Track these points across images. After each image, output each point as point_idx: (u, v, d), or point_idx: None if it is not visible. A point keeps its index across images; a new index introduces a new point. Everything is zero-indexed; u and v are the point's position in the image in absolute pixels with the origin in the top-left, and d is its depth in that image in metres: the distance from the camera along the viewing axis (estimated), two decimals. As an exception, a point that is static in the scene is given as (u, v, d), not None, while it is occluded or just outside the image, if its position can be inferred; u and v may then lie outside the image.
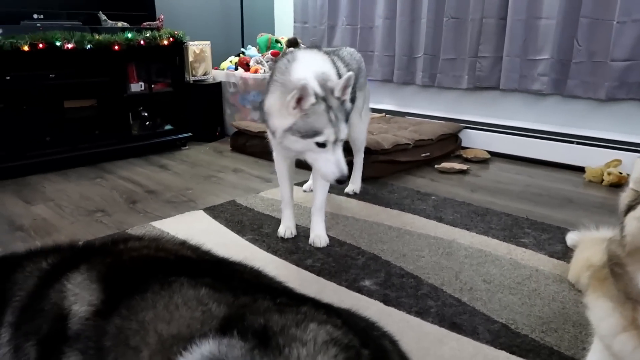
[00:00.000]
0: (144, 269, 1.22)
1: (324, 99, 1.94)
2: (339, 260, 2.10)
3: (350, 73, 2.01)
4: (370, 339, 1.01)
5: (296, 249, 2.22)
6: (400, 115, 4.61)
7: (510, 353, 1.49)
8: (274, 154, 2.45)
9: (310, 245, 2.25)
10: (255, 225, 2.50)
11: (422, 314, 1.69)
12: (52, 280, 1.24)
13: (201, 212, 2.69)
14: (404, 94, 4.71)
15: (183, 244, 1.38)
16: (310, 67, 2.04)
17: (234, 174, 3.54)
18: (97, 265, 1.25)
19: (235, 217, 2.60)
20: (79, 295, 1.20)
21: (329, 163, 1.98)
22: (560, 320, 1.66)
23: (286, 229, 2.37)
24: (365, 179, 3.17)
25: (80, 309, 1.19)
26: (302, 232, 2.39)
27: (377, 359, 0.96)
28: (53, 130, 3.61)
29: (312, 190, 2.58)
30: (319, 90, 1.95)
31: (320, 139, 1.93)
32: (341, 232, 2.40)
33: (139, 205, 2.86)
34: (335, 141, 1.97)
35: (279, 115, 2.00)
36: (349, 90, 2.03)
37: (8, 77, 3.35)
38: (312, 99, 1.91)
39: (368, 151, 3.25)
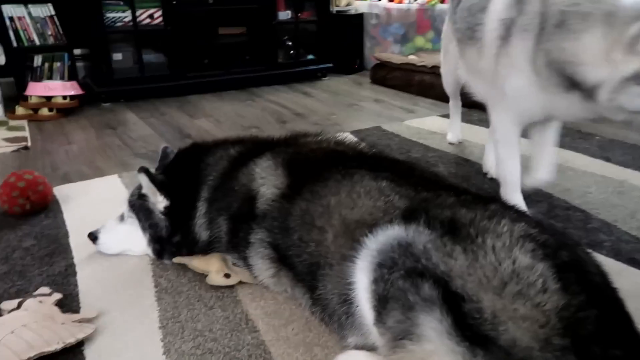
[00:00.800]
0: (325, 160, 1.27)
1: None
2: (496, 189, 2.01)
3: None
4: (566, 243, 0.95)
5: (454, 176, 2.18)
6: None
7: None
8: (499, 118, 1.73)
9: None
10: (404, 149, 2.48)
11: (594, 246, 1.57)
12: (240, 164, 1.35)
13: (348, 134, 2.72)
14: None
15: (361, 141, 1.40)
16: None
17: (375, 103, 3.52)
18: (281, 153, 1.32)
19: (382, 141, 2.60)
20: (266, 179, 1.29)
21: None
22: None
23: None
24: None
25: (268, 191, 1.28)
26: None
27: (575, 262, 0.90)
28: (209, 54, 3.85)
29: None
30: None
31: None
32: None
33: (288, 125, 2.98)
34: None
35: (604, 61, 1.34)
36: None
37: (174, 2, 3.60)
38: None
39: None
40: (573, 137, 2.68)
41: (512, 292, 0.84)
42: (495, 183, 2.05)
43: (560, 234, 1.04)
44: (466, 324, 0.84)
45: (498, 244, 0.90)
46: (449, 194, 1.07)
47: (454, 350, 0.84)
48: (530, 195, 1.95)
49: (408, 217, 1.03)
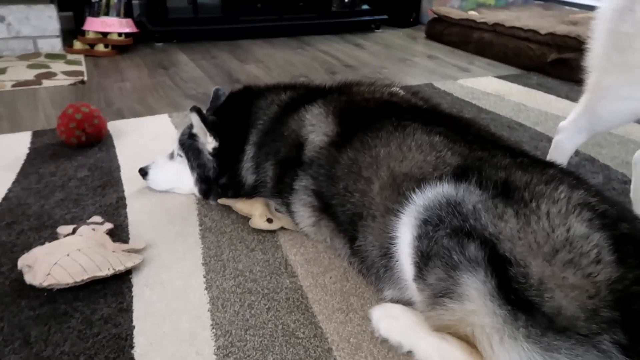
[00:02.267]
0: (377, 110, 1.24)
1: None
2: (546, 155, 1.93)
3: None
4: (626, 216, 0.90)
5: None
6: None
7: None
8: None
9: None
10: (455, 109, 2.40)
11: (650, 222, 1.49)
12: (291, 110, 1.33)
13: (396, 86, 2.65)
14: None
15: (416, 94, 1.36)
16: None
17: (429, 59, 3.40)
18: (333, 101, 1.30)
19: (433, 99, 2.51)
20: (316, 126, 1.28)
21: None
22: None
23: None
24: (581, 82, 2.80)
25: (317, 138, 1.26)
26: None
27: (635, 235, 0.86)
28: (263, -2, 3.79)
29: None
30: None
31: None
32: (551, 130, 2.19)
33: (338, 76, 2.93)
34: None
35: None
36: None
37: (232, -59, 3.52)
38: None
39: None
40: (640, 108, 2.51)
41: (563, 259, 0.81)
42: (549, 151, 1.97)
43: (621, 205, 0.99)
44: (511, 288, 0.83)
45: (553, 210, 0.87)
46: (505, 155, 1.03)
47: (495, 313, 0.83)
48: (586, 166, 1.86)
49: (459, 175, 1.00)
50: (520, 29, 3.24)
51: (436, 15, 3.96)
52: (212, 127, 1.40)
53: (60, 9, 3.43)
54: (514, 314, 0.82)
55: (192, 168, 1.49)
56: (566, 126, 1.51)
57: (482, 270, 0.86)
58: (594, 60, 1.41)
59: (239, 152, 1.43)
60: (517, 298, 0.82)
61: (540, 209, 0.87)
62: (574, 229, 0.84)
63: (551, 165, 1.03)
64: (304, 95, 1.40)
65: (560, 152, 1.54)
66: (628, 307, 0.77)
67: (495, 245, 0.87)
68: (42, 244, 1.26)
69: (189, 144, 1.48)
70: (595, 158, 1.93)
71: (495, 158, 1.03)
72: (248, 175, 1.43)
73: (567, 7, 4.37)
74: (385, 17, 4.27)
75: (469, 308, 0.86)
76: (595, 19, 1.40)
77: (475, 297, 0.86)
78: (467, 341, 0.89)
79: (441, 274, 0.91)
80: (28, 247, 1.27)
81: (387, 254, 1.07)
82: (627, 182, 1.75)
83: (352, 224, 1.17)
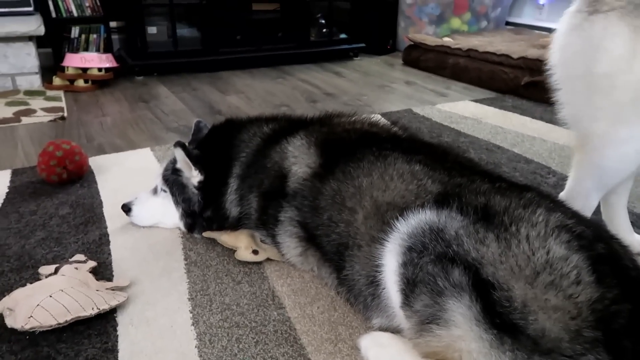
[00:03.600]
0: (358, 141, 1.26)
1: None
2: (528, 177, 1.98)
3: None
4: (602, 236, 0.93)
5: (484, 162, 2.14)
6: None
7: None
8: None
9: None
10: (434, 134, 2.45)
11: (627, 239, 1.53)
12: (273, 142, 1.35)
13: (378, 116, 2.70)
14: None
15: (395, 123, 1.39)
16: None
17: (407, 85, 3.47)
18: (315, 132, 1.32)
19: (412, 124, 2.57)
20: (299, 158, 1.29)
21: None
22: None
23: None
24: (553, 103, 2.90)
25: (299, 170, 1.28)
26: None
27: (611, 255, 0.88)
28: (242, 30, 3.85)
29: None
30: None
31: None
32: (528, 151, 2.25)
33: (319, 104, 2.97)
34: None
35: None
36: None
37: (208, -25, 3.58)
38: None
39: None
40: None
41: (544, 282, 0.83)
42: (526, 172, 2.01)
43: (597, 225, 1.02)
44: (495, 312, 0.84)
45: (532, 233, 0.89)
46: (483, 181, 1.06)
47: (481, 337, 0.84)
48: (563, 186, 1.91)
49: (441, 202, 1.02)
50: (494, 53, 3.34)
51: (412, 42, 4.07)
52: (196, 160, 1.41)
53: (39, 45, 3.44)
54: (499, 338, 0.83)
55: (177, 203, 1.49)
56: (569, 196, 1.30)
57: (467, 295, 0.87)
58: (571, 110, 1.27)
59: (223, 185, 1.43)
60: (502, 322, 0.83)
61: (520, 233, 0.89)
62: (553, 251, 0.86)
63: (528, 188, 1.05)
64: (286, 127, 1.42)
65: None
66: (609, 327, 0.79)
67: (478, 269, 0.88)
68: (24, 285, 1.24)
69: (172, 179, 1.48)
70: (572, 177, 1.97)
71: (474, 184, 1.05)
72: (232, 207, 1.44)
73: (536, 32, 4.52)
74: (363, 45, 4.37)
75: (456, 333, 0.87)
76: (553, 67, 1.28)
77: (462, 323, 0.87)
78: (456, 367, 0.90)
79: (427, 300, 0.92)
80: (9, 289, 1.25)
81: (374, 282, 1.08)
82: (603, 200, 1.80)
83: (338, 254, 1.17)
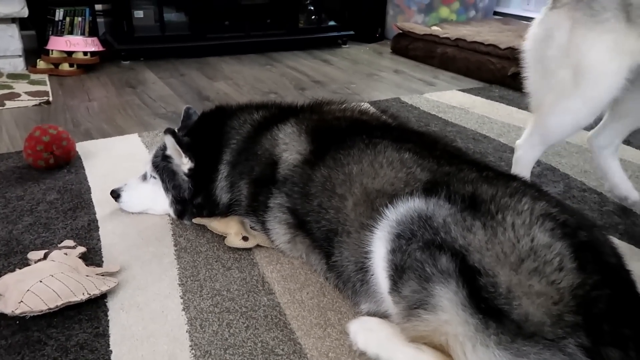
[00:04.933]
0: (349, 128, 1.28)
1: None
2: (510, 166, 2.01)
3: None
4: (584, 224, 0.96)
5: (471, 152, 2.17)
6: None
7: None
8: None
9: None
10: (422, 123, 2.47)
11: (608, 229, 1.57)
12: (264, 129, 1.36)
13: (367, 104, 2.71)
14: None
15: (384, 111, 1.41)
16: None
17: (395, 74, 3.48)
18: (305, 120, 1.33)
19: (401, 114, 2.58)
20: (289, 145, 1.30)
21: None
22: None
23: None
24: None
25: (290, 157, 1.29)
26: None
27: (592, 243, 0.92)
28: (231, 16, 3.81)
29: None
30: None
31: None
32: (513, 141, 2.28)
33: (307, 92, 2.97)
34: None
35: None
36: None
37: (197, -40, 3.54)
38: None
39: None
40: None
41: (528, 268, 0.86)
42: (512, 161, 2.05)
43: (580, 214, 1.05)
44: (481, 297, 0.87)
45: (518, 221, 0.92)
46: (471, 169, 1.08)
47: (467, 322, 0.87)
48: (547, 175, 1.95)
49: (429, 190, 1.04)
50: (482, 43, 3.36)
51: (401, 31, 4.07)
52: (187, 148, 1.41)
53: (22, 28, 3.38)
54: (485, 322, 0.86)
55: (166, 189, 1.49)
56: (522, 144, 1.64)
57: (454, 281, 0.90)
58: (532, 85, 1.59)
59: (213, 172, 1.44)
60: (487, 307, 0.86)
61: (506, 221, 0.92)
62: (538, 238, 0.89)
63: (515, 178, 1.08)
64: (277, 114, 1.43)
65: (521, 167, 1.64)
66: (589, 311, 0.82)
67: (465, 256, 0.91)
68: (12, 270, 1.24)
69: (162, 166, 1.48)
70: (556, 167, 2.02)
71: (462, 172, 1.07)
72: (222, 194, 1.44)
73: (524, 22, 4.55)
74: (352, 32, 4.35)
75: (443, 318, 0.90)
76: (524, 51, 1.60)
77: (448, 308, 0.89)
78: (442, 350, 0.93)
79: (415, 286, 0.94)
80: (-2, 275, 1.25)
81: (363, 268, 1.10)
82: (585, 190, 1.84)
83: (327, 240, 1.19)
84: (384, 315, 1.10)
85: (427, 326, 0.92)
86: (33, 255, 1.32)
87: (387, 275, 1.01)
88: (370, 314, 1.14)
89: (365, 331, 1.07)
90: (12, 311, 1.10)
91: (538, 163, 2.05)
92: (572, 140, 2.29)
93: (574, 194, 1.81)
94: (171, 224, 1.54)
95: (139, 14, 3.63)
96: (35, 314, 1.12)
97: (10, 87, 2.87)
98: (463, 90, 3.05)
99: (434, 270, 0.92)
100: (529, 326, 0.83)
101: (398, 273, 0.98)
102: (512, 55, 3.15)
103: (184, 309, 1.20)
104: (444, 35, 3.67)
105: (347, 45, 4.33)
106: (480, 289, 0.87)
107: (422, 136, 1.29)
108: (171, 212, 1.52)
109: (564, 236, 0.89)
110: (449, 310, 0.89)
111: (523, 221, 0.91)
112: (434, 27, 4.08)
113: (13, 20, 3.18)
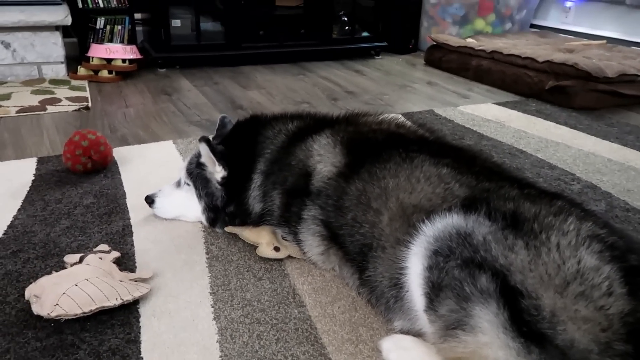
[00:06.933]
0: (385, 141, 1.26)
1: None
2: (551, 183, 1.95)
3: None
4: (634, 248, 0.91)
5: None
6: (626, 44, 3.97)
7: None
8: None
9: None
10: (457, 136, 2.42)
11: (654, 251, 1.50)
12: (299, 140, 1.35)
13: (400, 116, 2.69)
14: (636, 19, 4.01)
15: (422, 125, 1.38)
16: None
17: (429, 86, 3.45)
18: (341, 131, 1.32)
19: (434, 126, 2.54)
20: (324, 156, 1.29)
21: None
22: None
23: None
24: (578, 108, 2.86)
25: (324, 169, 1.28)
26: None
27: (643, 267, 0.87)
28: (265, 25, 3.85)
29: None
30: None
31: None
32: (552, 157, 2.22)
33: (339, 102, 2.96)
34: None
35: None
36: None
37: (233, -30, 3.59)
38: None
39: (587, 77, 2.89)
40: (638, 134, 2.55)
41: (574, 292, 0.82)
42: (550, 178, 1.99)
43: (629, 236, 1.00)
44: (523, 320, 0.83)
45: (563, 242, 0.88)
46: (512, 186, 1.05)
47: (508, 345, 0.83)
48: (588, 193, 1.88)
49: (468, 206, 1.01)
50: (518, 56, 3.29)
51: (435, 43, 4.04)
52: (221, 156, 1.41)
53: (65, 35, 3.49)
54: (527, 347, 0.82)
55: (199, 197, 1.49)
56: None
57: (494, 302, 0.86)
58: None
59: (247, 181, 1.44)
60: (529, 330, 0.83)
61: (550, 241, 0.88)
62: (585, 261, 0.85)
63: (559, 196, 1.04)
64: (311, 125, 1.42)
65: None
66: (641, 341, 0.78)
67: (506, 276, 0.87)
68: (49, 272, 1.26)
69: (196, 173, 1.49)
70: (597, 185, 1.95)
71: (502, 189, 1.04)
72: (255, 203, 1.44)
73: (562, 35, 4.46)
74: (385, 44, 4.34)
75: (482, 340, 0.86)
76: None
77: (488, 329, 0.86)
78: (480, 374, 0.89)
79: (453, 305, 0.91)
80: (34, 276, 1.27)
81: (397, 284, 1.07)
82: (629, 209, 1.77)
83: (361, 255, 1.17)
84: (418, 334, 1.07)
85: (465, 348, 0.89)
86: (69, 258, 1.34)
87: (422, 293, 0.98)
88: (404, 331, 1.11)
89: (399, 349, 1.04)
90: (48, 314, 1.12)
91: (578, 180, 1.99)
92: (614, 158, 2.21)
93: (617, 213, 1.74)
94: (203, 231, 1.55)
95: (176, 23, 3.70)
96: (70, 318, 1.13)
97: (52, 92, 2.96)
98: (498, 104, 2.99)
99: (473, 290, 0.89)
100: (574, 353, 0.79)
101: (435, 291, 0.95)
102: (550, 69, 3.08)
103: (214, 318, 1.19)
104: (479, 48, 3.61)
105: (380, 57, 4.32)
106: (522, 312, 0.84)
107: (461, 151, 1.26)
108: (203, 219, 1.53)
109: (613, 259, 0.85)
110: (488, 333, 0.86)
111: (569, 242, 0.88)
112: (469, 39, 4.03)
113: (57, 28, 3.28)
